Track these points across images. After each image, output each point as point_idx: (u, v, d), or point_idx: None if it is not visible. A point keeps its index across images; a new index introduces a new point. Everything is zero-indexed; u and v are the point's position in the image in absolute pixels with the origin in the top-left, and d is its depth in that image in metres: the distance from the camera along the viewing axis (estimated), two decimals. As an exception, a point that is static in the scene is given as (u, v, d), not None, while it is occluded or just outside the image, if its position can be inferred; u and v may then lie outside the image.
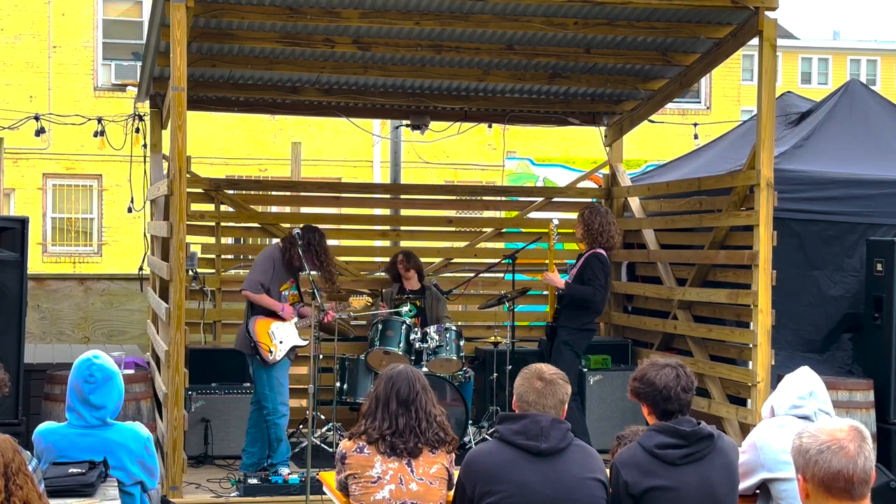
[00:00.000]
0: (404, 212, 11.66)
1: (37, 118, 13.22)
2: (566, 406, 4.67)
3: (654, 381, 4.66)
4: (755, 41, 8.41)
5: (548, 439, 4.52)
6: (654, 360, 4.81)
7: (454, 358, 9.25)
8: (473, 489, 4.56)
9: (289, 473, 7.89)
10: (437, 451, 4.86)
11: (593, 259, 8.77)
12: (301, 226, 8.73)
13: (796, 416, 4.94)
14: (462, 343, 9.39)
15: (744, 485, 4.93)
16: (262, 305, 8.41)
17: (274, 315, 8.39)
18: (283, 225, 10.55)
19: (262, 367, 8.34)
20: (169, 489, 7.51)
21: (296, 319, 8.41)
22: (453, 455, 4.98)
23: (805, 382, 5.07)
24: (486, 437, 9.28)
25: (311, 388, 7.93)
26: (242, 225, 11.00)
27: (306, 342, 8.42)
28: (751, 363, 8.39)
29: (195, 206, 10.23)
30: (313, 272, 8.49)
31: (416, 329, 9.21)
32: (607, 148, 11.20)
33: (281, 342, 8.31)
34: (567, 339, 8.75)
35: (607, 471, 4.70)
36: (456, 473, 4.97)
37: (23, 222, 8.30)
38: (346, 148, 22.50)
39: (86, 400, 5.02)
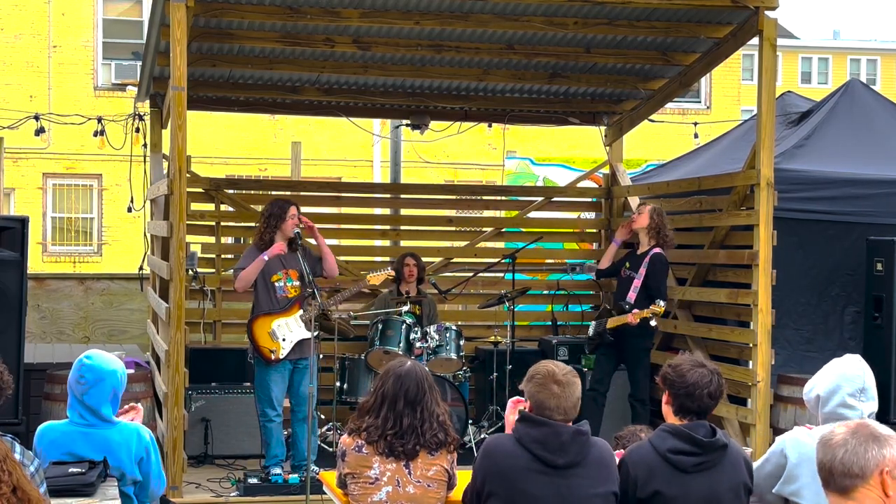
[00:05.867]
0: (404, 212, 11.66)
1: (37, 118, 13.22)
2: (580, 400, 4.62)
3: (685, 375, 4.55)
4: (755, 41, 8.41)
5: (566, 454, 4.47)
6: (697, 357, 4.72)
7: (454, 357, 9.25)
8: (483, 482, 4.54)
9: (279, 473, 7.92)
10: (436, 452, 4.86)
11: (658, 263, 8.69)
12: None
13: (842, 418, 4.63)
14: (462, 343, 9.39)
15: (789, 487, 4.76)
16: (249, 280, 8.19)
17: (274, 312, 8.26)
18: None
19: (257, 367, 8.31)
20: (169, 489, 7.51)
21: (301, 312, 8.22)
22: (455, 455, 4.97)
23: (857, 377, 4.59)
24: (487, 437, 9.28)
25: (312, 387, 7.92)
26: (242, 225, 11.00)
27: (315, 333, 8.20)
28: (751, 363, 8.39)
29: (195, 206, 10.24)
30: (313, 272, 8.45)
31: (416, 329, 9.20)
32: (607, 148, 11.21)
33: (284, 339, 8.19)
34: (647, 346, 8.88)
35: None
36: (457, 473, 4.98)
37: (23, 222, 8.29)
38: (346, 148, 22.49)
39: (80, 400, 5.02)
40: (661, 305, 8.42)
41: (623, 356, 8.85)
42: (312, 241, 8.63)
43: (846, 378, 4.59)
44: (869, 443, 3.36)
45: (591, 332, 9.02)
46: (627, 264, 8.91)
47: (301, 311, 8.22)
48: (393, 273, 9.04)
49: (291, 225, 8.28)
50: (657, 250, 8.75)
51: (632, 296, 8.68)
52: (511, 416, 4.95)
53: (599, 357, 8.93)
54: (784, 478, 4.63)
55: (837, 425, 3.45)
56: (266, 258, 8.15)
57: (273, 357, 8.17)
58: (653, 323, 8.51)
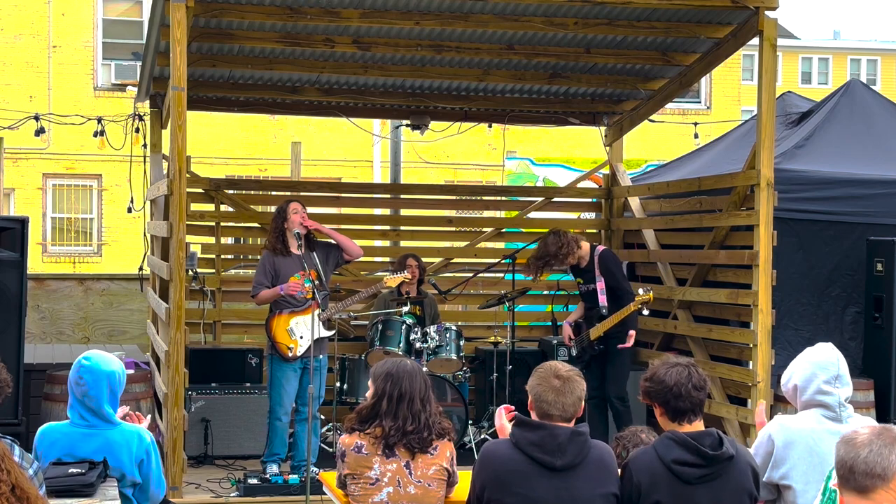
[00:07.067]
0: (404, 212, 11.66)
1: (37, 118, 13.22)
2: (583, 403, 4.60)
3: (665, 379, 4.49)
4: (755, 41, 8.41)
5: (564, 455, 4.44)
6: (666, 359, 4.64)
7: (454, 358, 9.25)
8: (483, 489, 4.53)
9: (274, 473, 7.92)
10: (438, 448, 4.88)
11: (607, 261, 8.70)
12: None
13: (821, 404, 4.73)
14: (462, 343, 9.39)
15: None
16: (268, 300, 8.33)
17: (293, 310, 8.27)
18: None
19: (272, 365, 8.33)
20: (169, 489, 7.49)
21: (318, 311, 8.20)
22: (454, 449, 4.98)
23: (831, 365, 4.77)
24: (487, 437, 9.28)
25: (312, 387, 7.91)
26: (242, 225, 11.00)
27: (332, 332, 8.28)
28: (751, 363, 8.39)
29: (195, 206, 10.24)
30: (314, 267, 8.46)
31: (415, 329, 9.20)
32: (607, 148, 11.20)
33: (301, 337, 8.21)
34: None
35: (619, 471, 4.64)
36: (458, 472, 4.98)
37: (23, 222, 8.29)
38: (346, 148, 22.49)
39: (81, 401, 5.03)
40: (649, 292, 8.38)
41: (606, 357, 8.75)
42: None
43: (821, 367, 4.76)
44: (893, 446, 3.36)
45: (574, 352, 8.86)
46: (580, 280, 8.87)
47: (319, 310, 8.22)
48: (409, 276, 9.05)
49: (297, 220, 8.32)
50: (599, 249, 8.78)
51: (603, 300, 8.65)
52: (500, 421, 4.96)
53: (590, 365, 8.84)
54: (772, 463, 4.67)
55: (861, 426, 3.45)
56: (283, 293, 8.24)
57: (290, 354, 8.20)
58: (645, 312, 8.49)
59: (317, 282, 8.22)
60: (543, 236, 8.88)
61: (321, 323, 8.19)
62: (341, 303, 8.66)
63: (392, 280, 8.67)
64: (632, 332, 8.55)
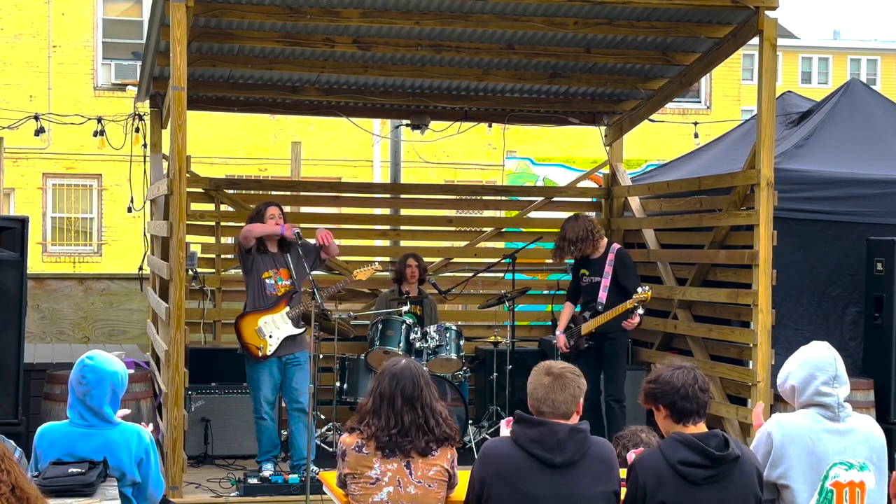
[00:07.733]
0: (404, 212, 11.66)
1: (37, 118, 13.21)
2: (580, 400, 4.59)
3: (672, 381, 4.51)
4: (755, 41, 8.41)
5: (563, 452, 4.45)
6: (669, 361, 4.67)
7: (454, 357, 9.25)
8: (483, 486, 4.53)
9: (270, 473, 7.94)
10: (438, 450, 4.85)
11: (627, 258, 8.78)
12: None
13: (820, 404, 4.74)
14: (462, 343, 9.38)
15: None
16: (255, 233, 8.23)
17: (261, 309, 8.26)
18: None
19: (246, 365, 8.35)
20: (169, 489, 7.50)
21: (287, 309, 8.23)
22: (455, 453, 4.96)
23: (828, 365, 4.80)
24: (487, 436, 9.28)
25: (312, 387, 7.91)
26: (242, 225, 10.96)
27: (302, 329, 8.24)
28: (751, 363, 8.39)
29: (195, 206, 10.24)
30: (314, 271, 8.46)
31: (416, 329, 9.20)
32: (607, 148, 11.20)
33: (270, 336, 8.21)
34: (626, 344, 8.91)
35: (622, 471, 4.64)
36: (458, 473, 4.97)
37: (23, 222, 8.29)
38: (346, 148, 22.50)
39: (82, 401, 5.03)
40: (647, 291, 8.34)
41: (601, 357, 8.73)
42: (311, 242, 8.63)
43: (818, 368, 4.80)
44: None
45: (566, 344, 8.79)
46: (585, 271, 8.82)
47: (287, 308, 8.25)
48: (380, 267, 9.05)
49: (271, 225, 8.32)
50: (616, 246, 8.81)
51: (603, 296, 8.64)
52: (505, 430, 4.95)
53: (582, 366, 8.79)
54: (770, 462, 4.66)
55: None
56: (283, 231, 8.20)
57: (260, 354, 8.21)
58: (640, 311, 8.42)
59: (287, 282, 8.26)
60: (569, 220, 8.82)
61: (290, 320, 8.21)
62: (307, 302, 8.58)
63: (361, 273, 8.60)
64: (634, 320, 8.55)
